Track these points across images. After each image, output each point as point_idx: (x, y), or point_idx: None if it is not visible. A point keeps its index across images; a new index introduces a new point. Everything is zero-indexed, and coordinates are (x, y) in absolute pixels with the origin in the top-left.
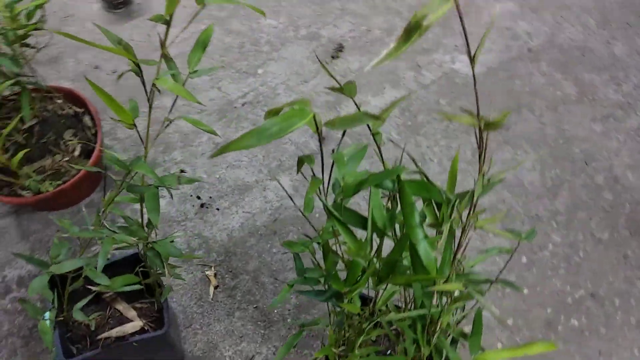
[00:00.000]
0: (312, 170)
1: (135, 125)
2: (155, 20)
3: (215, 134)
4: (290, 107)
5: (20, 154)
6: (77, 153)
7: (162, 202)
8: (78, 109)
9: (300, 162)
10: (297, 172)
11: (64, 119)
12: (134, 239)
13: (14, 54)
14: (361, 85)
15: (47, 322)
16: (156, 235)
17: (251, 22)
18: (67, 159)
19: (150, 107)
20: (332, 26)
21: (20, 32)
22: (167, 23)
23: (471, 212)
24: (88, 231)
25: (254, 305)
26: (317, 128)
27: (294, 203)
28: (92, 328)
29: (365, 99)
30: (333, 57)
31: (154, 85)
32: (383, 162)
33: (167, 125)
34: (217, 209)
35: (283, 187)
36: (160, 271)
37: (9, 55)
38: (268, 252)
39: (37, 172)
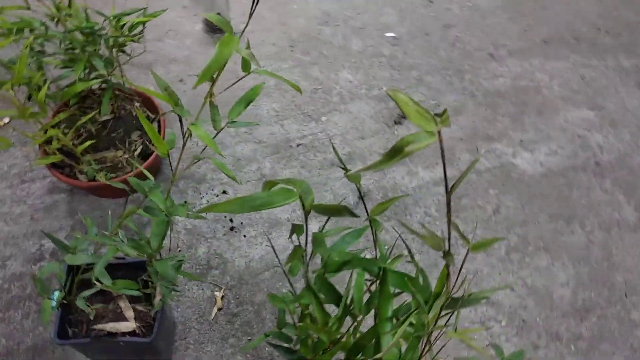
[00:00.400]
0: (299, 240)
1: (168, 155)
2: (199, 78)
3: (236, 180)
4: (282, 186)
5: (87, 144)
6: (137, 153)
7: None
8: (151, 115)
9: (292, 230)
10: (289, 237)
11: (136, 120)
12: (135, 253)
13: (109, 57)
14: (415, 155)
15: (53, 302)
16: (170, 249)
17: (330, 72)
18: (127, 156)
19: (183, 145)
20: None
21: (120, 40)
22: (213, 81)
23: (439, 321)
24: (100, 237)
25: (249, 338)
26: (304, 208)
27: (279, 262)
28: (91, 317)
29: (415, 170)
30: (396, 122)
31: (188, 129)
32: (376, 247)
33: (196, 162)
34: (244, 236)
35: (272, 247)
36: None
37: (105, 57)
38: (277, 290)
39: (98, 162)
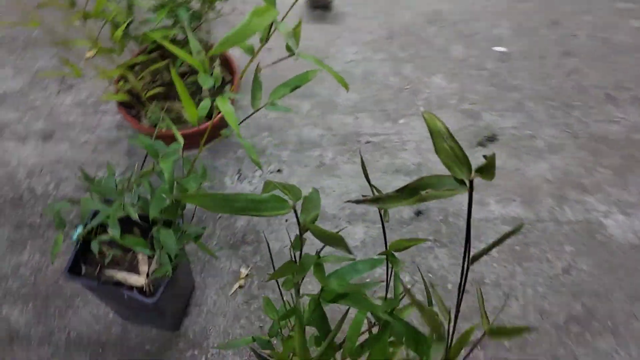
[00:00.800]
0: (295, 256)
1: (199, 124)
2: (217, 45)
3: (259, 166)
4: (271, 193)
5: (154, 91)
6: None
7: (247, 185)
8: (226, 78)
9: (292, 245)
10: (289, 248)
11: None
12: (136, 215)
13: (197, 11)
14: (491, 185)
15: (75, 236)
16: (194, 215)
17: (423, 74)
18: None
19: (213, 116)
20: (497, 114)
21: None
22: (253, 54)
23: None
24: (110, 190)
25: (260, 325)
26: (299, 223)
27: (274, 267)
28: (106, 262)
29: (487, 200)
30: (479, 144)
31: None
32: (388, 285)
33: (224, 137)
34: (286, 220)
35: (270, 250)
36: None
37: (193, 10)
38: (302, 287)
39: (165, 110)
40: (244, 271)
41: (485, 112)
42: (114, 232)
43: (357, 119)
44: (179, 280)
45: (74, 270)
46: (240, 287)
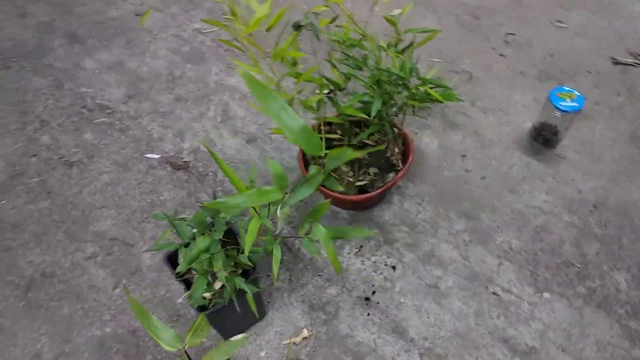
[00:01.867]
0: None
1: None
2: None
3: (338, 270)
4: None
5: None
6: (357, 185)
7: (358, 263)
8: (400, 159)
9: None
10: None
11: (386, 160)
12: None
13: (399, 103)
14: None
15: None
16: (291, 263)
17: (606, 262)
18: (351, 180)
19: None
20: None
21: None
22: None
23: None
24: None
25: None
26: None
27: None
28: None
29: None
30: None
31: None
32: None
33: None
34: (368, 314)
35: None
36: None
37: (394, 102)
38: None
39: (333, 170)
40: (305, 332)
41: None
42: (181, 267)
43: (501, 265)
44: (236, 309)
45: (173, 256)
46: (294, 343)
